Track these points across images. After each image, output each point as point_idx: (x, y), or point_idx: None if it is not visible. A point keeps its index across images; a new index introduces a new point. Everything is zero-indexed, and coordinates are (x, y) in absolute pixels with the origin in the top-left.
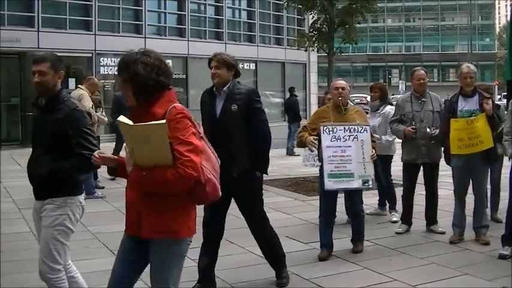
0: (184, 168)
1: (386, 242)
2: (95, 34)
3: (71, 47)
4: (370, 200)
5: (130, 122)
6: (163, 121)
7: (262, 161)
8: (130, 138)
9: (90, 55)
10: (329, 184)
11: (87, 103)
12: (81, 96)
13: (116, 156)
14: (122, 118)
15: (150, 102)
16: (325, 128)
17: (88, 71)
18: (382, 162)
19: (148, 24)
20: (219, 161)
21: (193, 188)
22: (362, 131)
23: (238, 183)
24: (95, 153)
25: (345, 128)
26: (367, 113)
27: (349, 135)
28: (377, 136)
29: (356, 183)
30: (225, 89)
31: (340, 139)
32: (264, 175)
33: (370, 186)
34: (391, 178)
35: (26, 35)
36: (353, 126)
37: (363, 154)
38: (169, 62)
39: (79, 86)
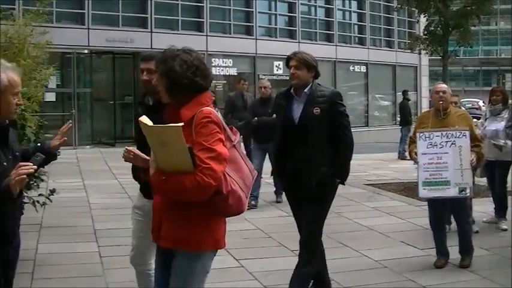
0: (202, 176)
1: (505, 251)
2: (207, 35)
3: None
4: (486, 207)
5: (149, 123)
6: (180, 124)
7: (343, 170)
8: (150, 140)
9: (201, 56)
10: (424, 192)
11: None
12: None
13: (147, 157)
14: (143, 118)
15: (181, 103)
16: (421, 134)
17: None
18: (500, 168)
19: (259, 26)
20: (254, 175)
21: (213, 198)
22: (460, 136)
23: (313, 192)
24: (127, 149)
25: (442, 133)
26: (478, 118)
27: (446, 141)
28: (502, 141)
29: (452, 192)
30: (306, 90)
31: (436, 145)
32: (376, 179)
33: (468, 194)
34: (507, 185)
35: (140, 35)
36: (451, 132)
37: (460, 161)
38: (279, 63)
39: None
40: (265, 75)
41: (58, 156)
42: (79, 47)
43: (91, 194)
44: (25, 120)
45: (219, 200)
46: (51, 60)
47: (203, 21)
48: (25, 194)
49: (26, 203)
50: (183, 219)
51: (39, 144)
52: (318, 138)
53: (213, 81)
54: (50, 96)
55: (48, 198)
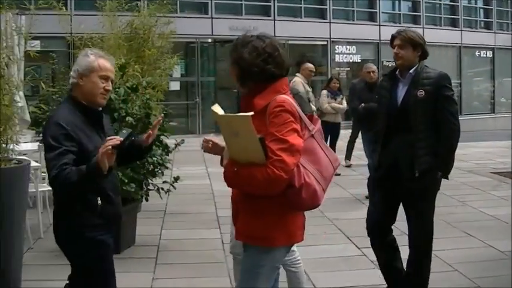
0: (273, 168)
1: None
2: (330, 22)
3: (306, 35)
4: None
5: (221, 112)
6: (248, 114)
7: (446, 161)
8: (222, 129)
9: (325, 43)
10: None
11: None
12: (293, 84)
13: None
14: (215, 107)
15: (255, 91)
16: None
17: (323, 59)
18: None
19: (382, 12)
20: (336, 166)
21: (286, 191)
22: None
23: (415, 184)
24: (205, 139)
25: None
26: None
27: None
28: None
29: None
30: (411, 71)
31: None
32: (503, 167)
33: None
34: None
35: (263, 23)
36: None
37: None
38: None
39: (296, 74)
40: (389, 61)
41: (182, 144)
42: (202, 36)
43: (214, 181)
44: (150, 108)
45: (291, 194)
46: (175, 49)
47: (326, 8)
48: (150, 181)
49: (150, 189)
50: (255, 212)
51: (133, 138)
52: (421, 124)
53: (337, 69)
54: (175, 85)
55: (173, 186)
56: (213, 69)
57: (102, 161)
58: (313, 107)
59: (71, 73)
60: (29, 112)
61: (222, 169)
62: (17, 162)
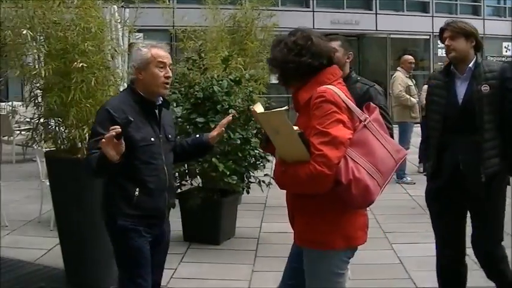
0: (314, 164)
1: None
2: (432, 16)
3: (408, 29)
4: None
5: (260, 109)
6: (282, 108)
7: None
8: (265, 128)
9: (427, 37)
10: None
11: (396, 89)
12: (394, 79)
13: None
14: (256, 106)
15: (300, 86)
16: None
17: (425, 54)
18: None
19: (487, 6)
20: (398, 158)
21: (335, 189)
22: None
23: (482, 188)
24: None
25: None
26: None
27: None
28: None
29: None
30: (470, 65)
31: None
32: None
33: None
34: None
35: (365, 17)
36: None
37: None
38: (508, 44)
39: (397, 68)
40: (493, 56)
41: None
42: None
43: None
44: (252, 101)
45: (340, 191)
46: None
47: (428, 2)
48: (251, 174)
49: (252, 182)
50: (308, 214)
51: (197, 135)
52: (487, 122)
53: (439, 63)
54: (275, 79)
55: (274, 179)
56: None
57: (105, 150)
58: (414, 101)
59: (129, 69)
60: None
61: None
62: None
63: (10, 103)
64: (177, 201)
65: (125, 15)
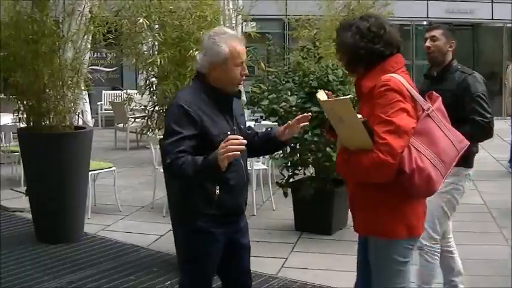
0: (378, 153)
1: None
2: None
3: None
4: None
5: (323, 97)
6: (347, 96)
7: None
8: (328, 116)
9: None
10: None
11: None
12: (509, 70)
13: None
14: (319, 93)
15: (364, 74)
16: None
17: None
18: None
19: None
20: (461, 148)
21: (398, 178)
22: None
23: None
24: None
25: None
26: None
27: None
28: None
29: None
30: None
31: None
32: None
33: None
34: None
35: (480, 6)
36: None
37: None
38: None
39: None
40: None
41: None
42: (418, 18)
43: None
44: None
45: (404, 180)
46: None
47: None
48: None
49: None
50: (371, 203)
51: (269, 128)
52: None
53: None
54: None
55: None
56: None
57: (222, 162)
58: None
59: (198, 60)
60: (245, 92)
61: None
62: None
63: (125, 91)
64: (289, 191)
65: (239, 4)
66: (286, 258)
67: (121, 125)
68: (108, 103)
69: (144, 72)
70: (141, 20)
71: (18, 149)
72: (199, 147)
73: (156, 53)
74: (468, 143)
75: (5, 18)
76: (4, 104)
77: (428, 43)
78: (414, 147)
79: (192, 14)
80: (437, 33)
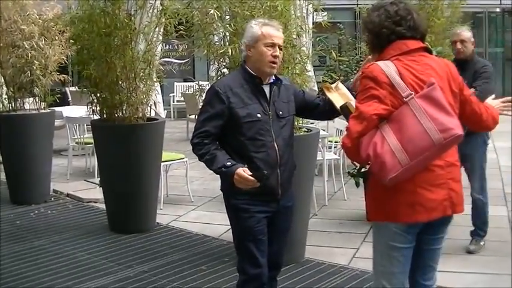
0: (343, 136)
1: None
2: None
3: None
4: None
5: (336, 96)
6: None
7: None
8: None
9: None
10: None
11: None
12: None
13: None
14: (336, 85)
15: (376, 58)
16: None
17: None
18: None
19: None
20: (439, 138)
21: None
22: None
23: None
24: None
25: None
26: None
27: None
28: None
29: None
30: None
31: None
32: None
33: None
34: None
35: None
36: None
37: None
38: None
39: None
40: None
41: None
42: (490, 5)
43: (501, 155)
44: None
45: (371, 166)
46: (464, 19)
47: None
48: None
49: None
50: (366, 188)
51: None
52: None
53: None
54: None
55: None
56: (501, 40)
57: (237, 182)
58: None
59: (241, 46)
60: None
61: (509, 143)
62: (306, 130)
63: (197, 82)
64: (361, 181)
65: None
66: (358, 249)
67: (193, 117)
68: (180, 95)
69: (216, 63)
70: (211, 11)
71: (91, 141)
72: (226, 127)
73: (227, 43)
74: (458, 132)
75: (79, 12)
76: (77, 96)
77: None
78: (381, 133)
79: (262, 4)
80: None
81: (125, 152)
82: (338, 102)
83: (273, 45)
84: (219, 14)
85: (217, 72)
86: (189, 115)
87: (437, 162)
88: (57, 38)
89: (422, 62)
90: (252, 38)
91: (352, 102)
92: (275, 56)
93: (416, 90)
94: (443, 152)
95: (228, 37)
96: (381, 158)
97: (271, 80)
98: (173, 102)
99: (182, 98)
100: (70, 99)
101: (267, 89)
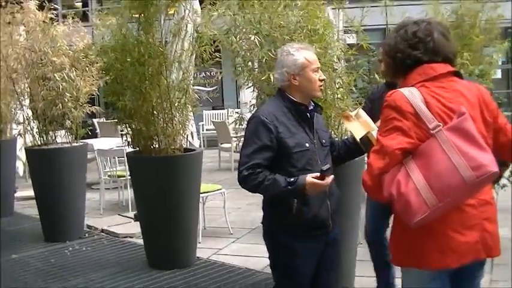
0: (364, 172)
1: None
2: None
3: None
4: None
5: (355, 124)
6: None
7: None
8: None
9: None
10: None
11: None
12: None
13: None
14: (356, 112)
15: (401, 83)
16: None
17: None
18: None
19: None
20: (472, 176)
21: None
22: None
23: None
24: None
25: None
26: None
27: None
28: None
29: None
30: None
31: None
32: None
33: None
34: None
35: None
36: None
37: None
38: None
39: None
40: None
41: None
42: None
43: None
44: None
45: (394, 205)
46: (502, 35)
47: None
48: None
49: None
50: (402, 228)
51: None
52: None
53: None
54: (495, 73)
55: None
56: None
57: (311, 192)
58: None
59: (276, 75)
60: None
61: None
62: None
63: (234, 110)
64: None
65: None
66: None
67: (225, 145)
68: (210, 123)
69: (255, 89)
70: (252, 37)
71: (124, 173)
72: (275, 159)
73: (266, 69)
74: (493, 169)
75: (111, 42)
76: (105, 128)
77: None
78: (405, 169)
79: (303, 28)
80: None
81: (163, 185)
82: (358, 132)
83: (318, 69)
84: (260, 40)
85: (257, 99)
86: (221, 144)
87: (470, 201)
88: (87, 69)
89: (452, 88)
90: (297, 66)
91: (375, 132)
92: (322, 80)
93: (444, 121)
94: (476, 191)
95: (266, 62)
96: (405, 197)
97: (311, 107)
98: (203, 130)
99: (212, 127)
100: (98, 130)
101: (309, 116)
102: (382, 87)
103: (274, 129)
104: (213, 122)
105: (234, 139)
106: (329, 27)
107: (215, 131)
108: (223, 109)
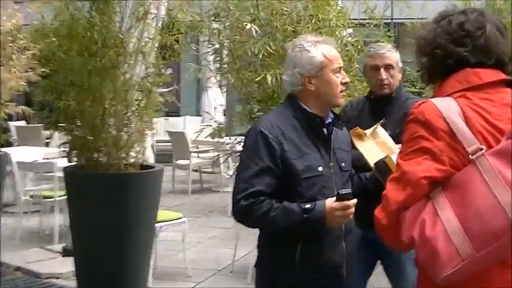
0: (378, 207)
1: None
2: None
3: None
4: None
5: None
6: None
7: None
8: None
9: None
10: None
11: None
12: None
13: None
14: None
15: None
16: None
17: None
18: None
19: None
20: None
21: None
22: None
23: None
24: None
25: None
26: None
27: None
28: None
29: None
30: None
31: None
32: None
33: None
34: None
35: None
36: None
37: None
38: None
39: None
40: None
41: None
42: None
43: None
44: None
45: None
46: None
47: None
48: None
49: None
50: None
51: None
52: None
53: None
54: None
55: None
56: None
57: (331, 221)
58: None
59: (286, 78)
60: None
61: None
62: None
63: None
64: None
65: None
66: None
67: (181, 162)
68: (163, 133)
69: (242, 94)
70: (248, 26)
71: (52, 193)
72: (279, 185)
73: (260, 68)
74: None
75: (53, 23)
76: (24, 134)
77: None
78: (433, 206)
79: (312, 18)
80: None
81: (110, 210)
82: (373, 156)
83: (340, 69)
84: (257, 29)
85: (243, 106)
86: (176, 160)
87: None
88: (14, 58)
89: (501, 101)
90: (313, 66)
91: (395, 156)
92: (345, 83)
93: (489, 144)
94: None
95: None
96: (432, 244)
97: (329, 119)
98: (153, 142)
99: (165, 138)
100: (15, 137)
101: (325, 131)
102: (361, 102)
103: (278, 147)
104: (168, 132)
105: (193, 154)
106: (342, 18)
107: (169, 144)
108: (179, 116)
